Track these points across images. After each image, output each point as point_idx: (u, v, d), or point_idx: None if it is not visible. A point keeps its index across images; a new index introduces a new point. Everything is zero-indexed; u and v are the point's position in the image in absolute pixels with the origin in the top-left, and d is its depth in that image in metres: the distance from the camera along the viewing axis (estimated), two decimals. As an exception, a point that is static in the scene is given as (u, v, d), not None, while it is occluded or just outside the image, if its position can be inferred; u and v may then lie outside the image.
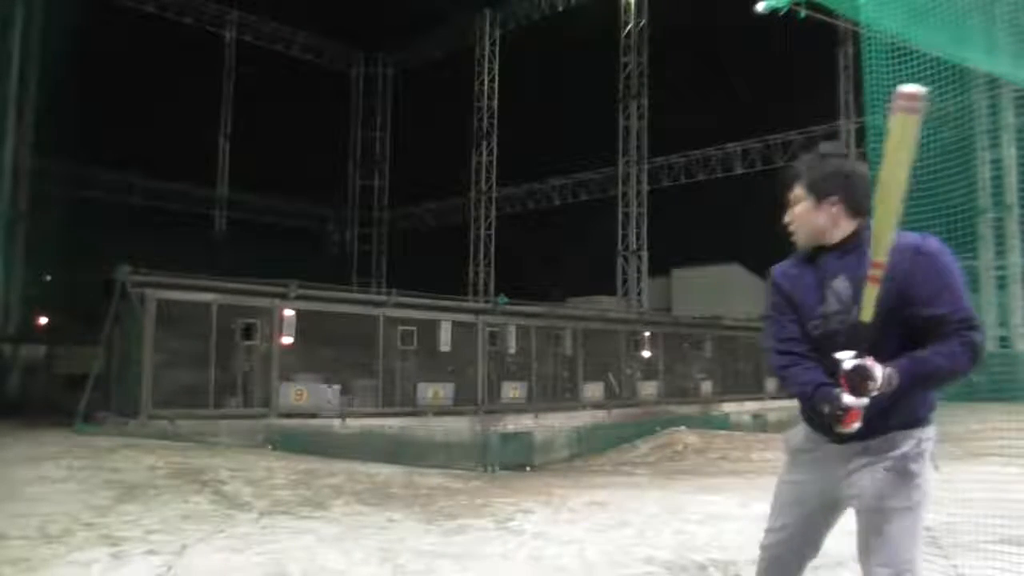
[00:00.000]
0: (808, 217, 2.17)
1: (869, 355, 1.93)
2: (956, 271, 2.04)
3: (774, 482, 2.40)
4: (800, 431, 2.30)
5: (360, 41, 31.63)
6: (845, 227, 2.14)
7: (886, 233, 1.96)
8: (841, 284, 2.11)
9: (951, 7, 3.72)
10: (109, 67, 22.19)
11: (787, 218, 2.23)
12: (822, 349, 2.09)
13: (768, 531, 2.35)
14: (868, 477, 2.10)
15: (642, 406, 17.87)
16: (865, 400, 1.92)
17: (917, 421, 2.10)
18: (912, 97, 1.90)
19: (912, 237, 2.08)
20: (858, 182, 2.14)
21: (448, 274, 27.52)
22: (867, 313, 1.97)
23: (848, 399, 1.93)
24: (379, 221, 33.52)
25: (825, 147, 2.22)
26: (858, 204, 2.12)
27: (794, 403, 2.28)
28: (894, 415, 2.06)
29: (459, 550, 4.85)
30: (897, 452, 2.07)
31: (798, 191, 2.18)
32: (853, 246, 2.12)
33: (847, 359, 1.94)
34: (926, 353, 1.99)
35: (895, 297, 1.99)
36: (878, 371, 1.91)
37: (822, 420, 2.06)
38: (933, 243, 2.07)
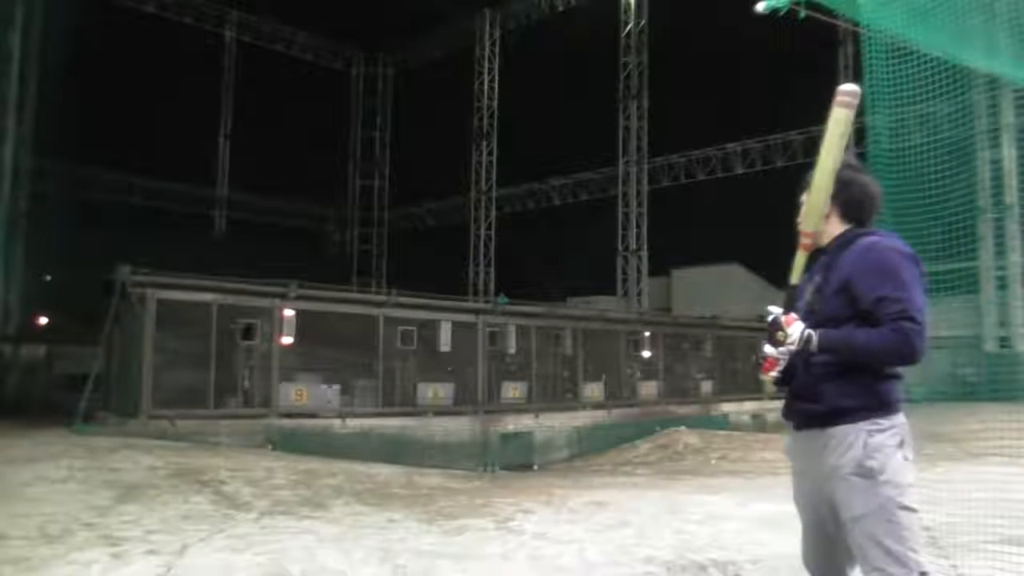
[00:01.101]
0: (815, 216, 2.29)
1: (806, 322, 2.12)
2: (909, 269, 2.11)
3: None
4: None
5: (360, 41, 31.64)
6: (834, 229, 2.29)
7: (817, 208, 2.25)
8: (815, 280, 2.26)
9: (951, 7, 3.72)
10: (109, 67, 22.19)
11: (798, 219, 2.35)
12: None
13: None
14: (834, 486, 2.13)
15: (642, 406, 17.87)
16: (781, 350, 2.11)
17: (862, 410, 2.11)
18: (849, 94, 2.22)
19: (874, 236, 2.20)
20: (855, 191, 2.27)
21: (448, 274, 27.53)
22: (795, 276, 2.25)
23: (767, 348, 2.15)
24: (379, 221, 33.52)
25: (848, 161, 2.32)
26: (849, 210, 2.27)
27: None
28: (830, 398, 2.13)
29: (459, 550, 4.85)
30: (851, 454, 2.09)
31: (804, 196, 2.33)
32: (836, 247, 2.25)
33: (772, 313, 2.18)
34: (853, 328, 2.10)
35: (841, 287, 2.14)
36: (796, 328, 2.10)
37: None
38: (889, 242, 2.17)
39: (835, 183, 2.25)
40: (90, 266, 14.01)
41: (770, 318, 2.16)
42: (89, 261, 14.39)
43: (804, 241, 2.26)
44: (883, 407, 2.11)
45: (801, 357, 2.15)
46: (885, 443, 2.08)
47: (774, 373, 2.15)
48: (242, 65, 29.24)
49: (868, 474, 2.06)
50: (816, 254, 2.30)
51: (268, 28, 29.92)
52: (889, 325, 2.03)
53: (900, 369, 2.16)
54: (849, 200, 2.27)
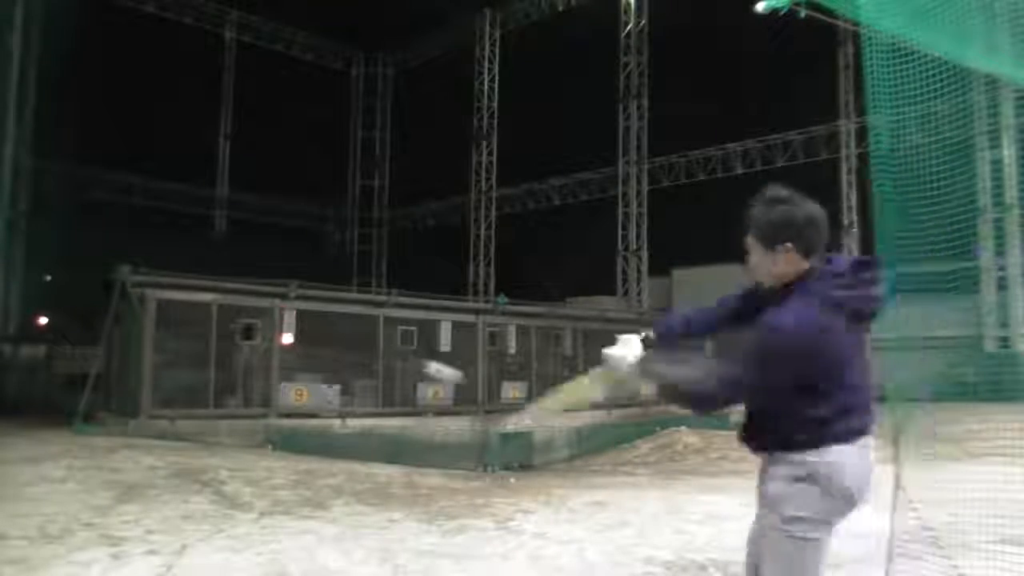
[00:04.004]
0: (762, 263, 2.25)
1: None
2: (764, 346, 2.10)
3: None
4: None
5: (360, 41, 31.61)
6: (797, 268, 2.19)
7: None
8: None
9: (951, 7, 3.72)
10: (109, 67, 22.17)
11: (749, 263, 2.31)
12: None
13: None
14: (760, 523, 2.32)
15: (642, 406, 17.86)
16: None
17: (791, 444, 2.15)
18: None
19: (784, 309, 2.13)
20: (806, 227, 2.16)
21: (448, 274, 27.50)
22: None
23: None
24: (379, 221, 33.51)
25: (774, 193, 2.23)
26: (809, 246, 2.16)
27: None
28: (761, 430, 2.26)
29: (459, 550, 4.84)
30: (771, 490, 2.20)
31: (750, 240, 2.26)
32: (797, 284, 2.18)
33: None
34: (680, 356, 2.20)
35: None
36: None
37: None
38: (774, 321, 2.11)
39: (783, 224, 2.17)
40: (90, 266, 14.01)
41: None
42: (89, 261, 14.39)
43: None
44: (810, 441, 2.18)
45: None
46: (807, 480, 2.16)
47: None
48: (242, 65, 29.24)
49: (784, 521, 2.19)
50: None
51: (268, 28, 29.91)
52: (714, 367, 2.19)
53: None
54: (804, 237, 2.16)
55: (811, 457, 2.13)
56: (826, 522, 2.15)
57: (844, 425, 2.13)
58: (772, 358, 2.08)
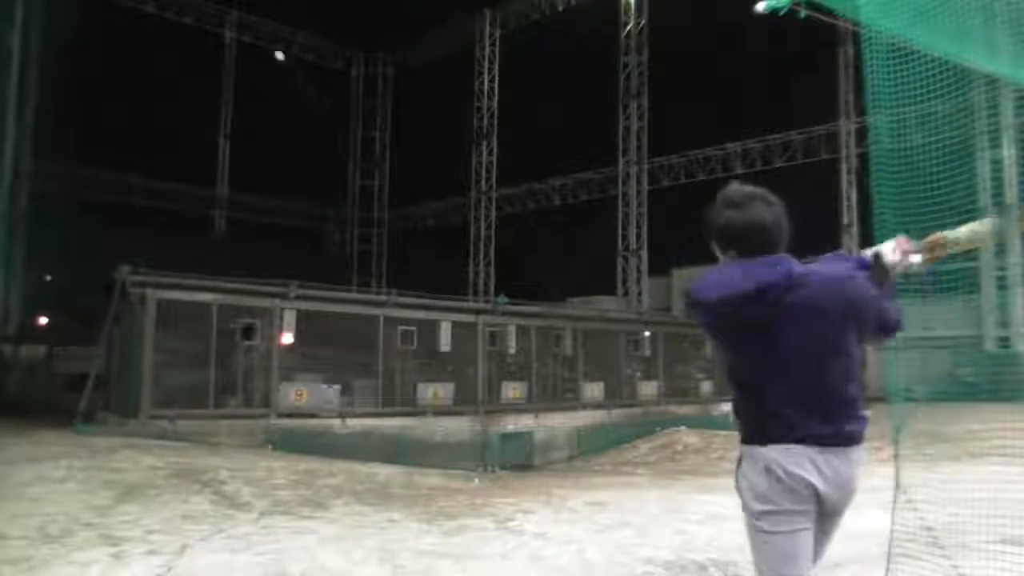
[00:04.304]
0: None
1: None
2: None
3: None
4: None
5: (360, 41, 31.61)
6: None
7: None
8: None
9: (951, 7, 3.72)
10: (109, 67, 22.16)
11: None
12: None
13: None
14: None
15: (642, 406, 17.87)
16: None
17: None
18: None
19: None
20: (748, 234, 2.14)
21: (448, 274, 27.49)
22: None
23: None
24: (379, 221, 33.51)
25: (725, 195, 2.22)
26: (752, 252, 2.14)
27: None
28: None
29: (459, 550, 4.85)
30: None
31: (712, 245, 2.28)
32: None
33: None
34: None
35: None
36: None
37: None
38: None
39: (727, 230, 2.19)
40: (90, 266, 14.01)
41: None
42: (89, 261, 14.39)
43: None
44: (745, 438, 2.21)
45: None
46: (739, 470, 2.23)
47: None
48: (242, 65, 29.24)
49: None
50: None
51: (268, 28, 29.91)
52: None
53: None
54: (748, 245, 2.15)
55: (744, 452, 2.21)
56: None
57: (783, 423, 2.11)
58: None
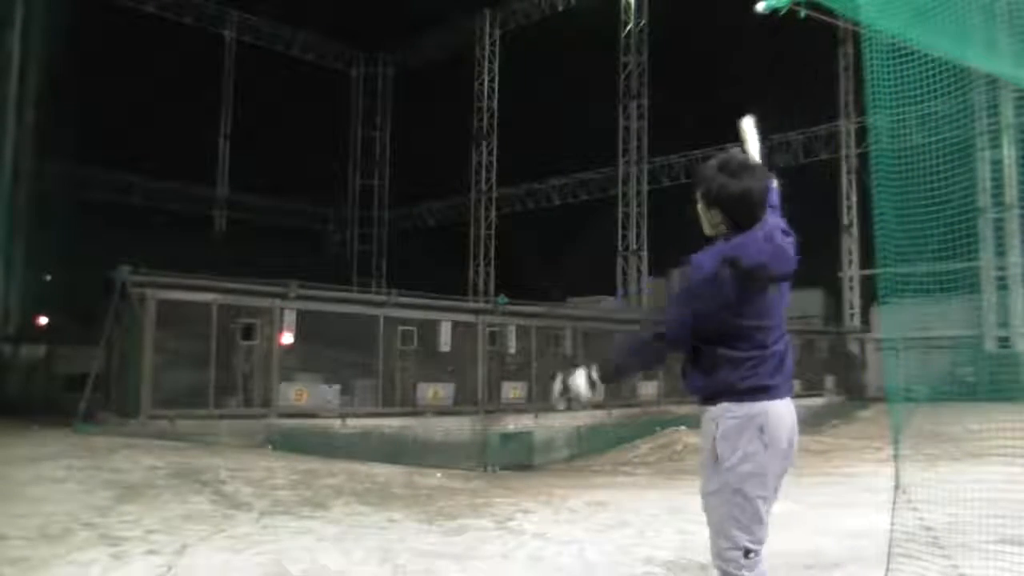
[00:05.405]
0: (702, 216, 2.56)
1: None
2: (683, 282, 2.53)
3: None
4: None
5: (360, 41, 31.59)
6: (727, 231, 2.47)
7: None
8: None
9: (951, 7, 3.72)
10: (109, 67, 22.16)
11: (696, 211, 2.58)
12: None
13: None
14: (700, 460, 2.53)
15: (642, 406, 17.85)
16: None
17: (715, 396, 2.39)
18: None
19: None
20: (738, 201, 2.41)
21: (448, 274, 27.48)
22: None
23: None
24: (379, 221, 33.50)
25: (723, 160, 2.48)
26: (737, 220, 2.42)
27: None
28: (689, 382, 2.51)
29: (459, 550, 4.85)
30: (709, 437, 2.39)
31: (697, 193, 2.55)
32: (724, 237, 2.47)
33: None
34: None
35: None
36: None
37: None
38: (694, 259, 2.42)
39: (720, 194, 2.45)
40: (90, 266, 13.99)
41: None
42: (89, 261, 14.37)
43: None
44: (732, 394, 2.34)
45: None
46: (722, 431, 2.33)
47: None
48: (242, 65, 29.23)
49: (716, 458, 2.35)
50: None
51: (268, 28, 29.90)
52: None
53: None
54: (733, 211, 2.44)
55: (756, 407, 2.35)
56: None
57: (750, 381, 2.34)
58: (685, 284, 2.47)
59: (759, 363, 2.34)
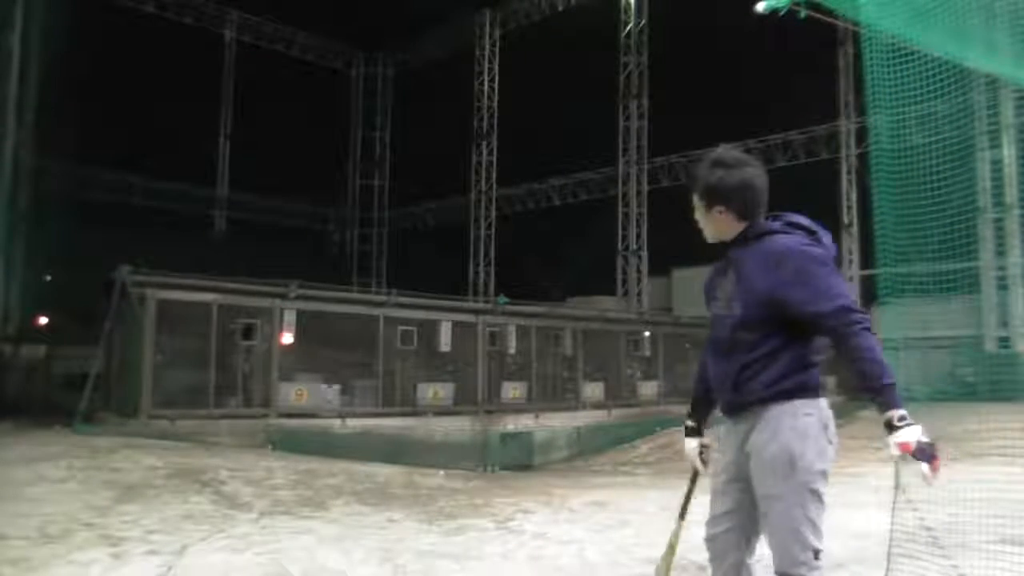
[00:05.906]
0: (704, 221, 2.42)
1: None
2: (823, 271, 2.19)
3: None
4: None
5: (360, 41, 31.59)
6: (734, 229, 2.34)
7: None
8: (728, 280, 2.35)
9: (951, 7, 3.72)
10: (110, 67, 22.15)
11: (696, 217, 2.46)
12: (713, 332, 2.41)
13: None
14: (754, 465, 2.28)
15: (642, 406, 17.86)
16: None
17: (792, 394, 2.24)
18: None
19: (776, 237, 2.27)
20: (740, 192, 2.31)
21: (448, 274, 27.48)
22: None
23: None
24: (379, 221, 33.50)
25: (717, 156, 2.37)
26: (743, 210, 2.32)
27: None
28: (747, 388, 2.27)
29: (459, 550, 4.84)
30: (779, 437, 2.21)
31: (695, 198, 2.42)
32: (738, 245, 2.35)
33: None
34: (857, 368, 2.14)
35: (765, 300, 2.21)
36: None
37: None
38: (797, 247, 2.23)
39: (721, 188, 2.31)
40: (90, 266, 14.00)
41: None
42: (89, 261, 14.38)
43: None
44: (807, 391, 2.24)
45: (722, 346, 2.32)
46: (810, 429, 2.21)
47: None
48: (242, 65, 29.23)
49: (790, 459, 2.19)
50: (722, 248, 2.41)
51: (268, 28, 29.90)
52: (850, 332, 2.13)
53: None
54: (740, 202, 2.32)
55: (823, 403, 2.29)
56: None
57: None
58: (827, 271, 2.22)
59: (819, 360, 2.28)
